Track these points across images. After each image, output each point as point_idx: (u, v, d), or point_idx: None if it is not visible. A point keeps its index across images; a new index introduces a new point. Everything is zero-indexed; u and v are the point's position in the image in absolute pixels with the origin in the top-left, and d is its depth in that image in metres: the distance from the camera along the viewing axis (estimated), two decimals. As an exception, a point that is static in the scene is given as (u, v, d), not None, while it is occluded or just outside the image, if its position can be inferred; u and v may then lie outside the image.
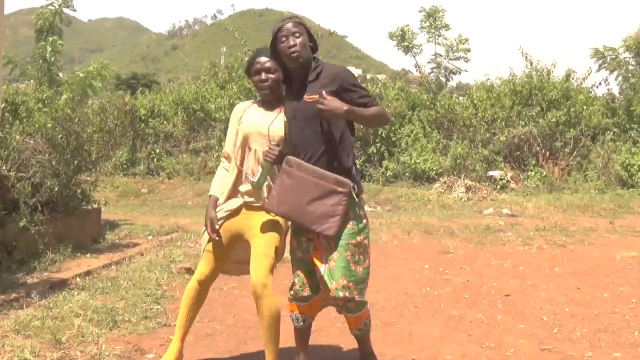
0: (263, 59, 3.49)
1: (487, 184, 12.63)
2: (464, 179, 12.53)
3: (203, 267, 3.59)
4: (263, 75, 3.48)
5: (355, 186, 3.30)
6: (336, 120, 3.30)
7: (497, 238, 8.35)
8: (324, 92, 3.17)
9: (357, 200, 3.33)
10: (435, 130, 14.24)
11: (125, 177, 14.15)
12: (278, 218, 3.44)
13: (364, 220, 3.40)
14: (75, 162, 7.16)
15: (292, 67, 3.36)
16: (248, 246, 3.55)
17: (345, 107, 3.17)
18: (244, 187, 3.55)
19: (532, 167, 13.21)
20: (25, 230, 6.12)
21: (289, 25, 3.30)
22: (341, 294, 3.25)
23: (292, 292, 3.50)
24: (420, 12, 16.41)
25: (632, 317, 5.12)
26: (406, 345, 4.35)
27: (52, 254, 6.28)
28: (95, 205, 7.74)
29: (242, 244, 3.62)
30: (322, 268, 3.30)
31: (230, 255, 3.68)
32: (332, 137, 3.32)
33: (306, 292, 3.45)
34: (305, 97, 3.30)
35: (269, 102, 3.58)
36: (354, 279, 3.30)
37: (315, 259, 3.35)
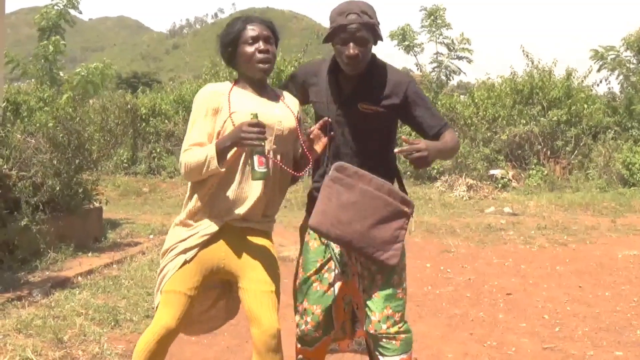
0: (258, 25, 2.62)
1: (489, 182, 12.63)
2: (465, 178, 12.53)
3: (167, 317, 2.49)
4: (262, 45, 2.58)
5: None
6: (384, 130, 2.78)
7: (499, 237, 8.36)
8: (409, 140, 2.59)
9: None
10: (437, 129, 14.23)
11: (127, 176, 14.16)
12: (272, 249, 2.68)
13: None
14: (77, 161, 7.18)
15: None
16: (221, 301, 2.76)
17: (432, 153, 2.57)
18: (242, 208, 2.57)
19: (533, 166, 13.22)
20: (27, 230, 6.12)
21: (353, 27, 2.56)
22: (384, 327, 2.64)
23: (299, 331, 2.80)
24: (420, 10, 16.42)
25: (633, 315, 5.13)
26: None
27: (53, 253, 6.29)
28: (97, 204, 7.74)
29: (212, 285, 2.69)
30: (361, 298, 2.72)
31: (197, 301, 2.62)
32: (381, 148, 2.79)
33: (318, 333, 2.77)
34: (362, 106, 2.68)
35: (259, 84, 2.69)
36: (399, 308, 2.70)
37: (350, 288, 2.76)
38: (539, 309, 5.29)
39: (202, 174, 2.50)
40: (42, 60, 13.79)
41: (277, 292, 2.59)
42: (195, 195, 2.60)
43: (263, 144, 2.44)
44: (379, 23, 2.65)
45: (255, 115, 2.43)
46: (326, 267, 2.74)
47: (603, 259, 7.09)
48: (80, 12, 14.44)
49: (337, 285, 2.73)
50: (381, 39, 2.67)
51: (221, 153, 2.44)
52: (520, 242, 8.01)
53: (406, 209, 2.63)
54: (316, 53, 14.65)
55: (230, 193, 2.56)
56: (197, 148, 2.52)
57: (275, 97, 2.72)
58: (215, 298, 2.76)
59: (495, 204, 10.88)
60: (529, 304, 5.44)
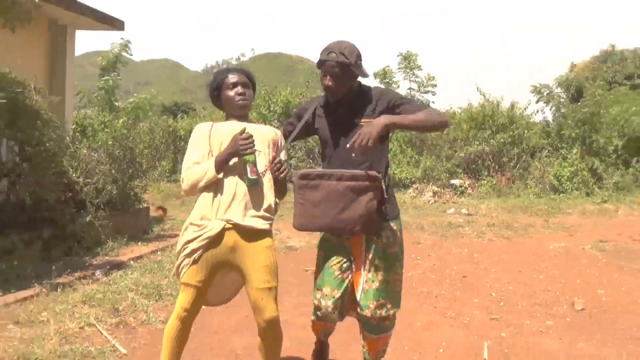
0: (237, 74, 2.64)
1: (450, 190, 12.61)
2: (431, 186, 12.51)
3: (184, 302, 2.50)
4: (240, 89, 2.59)
5: (386, 179, 2.63)
6: (381, 142, 2.59)
7: (457, 232, 8.37)
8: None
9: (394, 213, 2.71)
10: (409, 148, 14.24)
11: (168, 183, 14.11)
12: (272, 247, 2.57)
13: (402, 239, 2.82)
14: (130, 171, 7.22)
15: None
16: (230, 275, 2.65)
17: (383, 120, 2.47)
18: (242, 209, 2.48)
19: (484, 177, 13.21)
20: (91, 224, 6.16)
21: (329, 65, 2.54)
22: (378, 312, 2.62)
23: (319, 313, 2.69)
24: (398, 56, 16.48)
25: (561, 294, 5.15)
26: (386, 315, 4.36)
27: (111, 242, 6.32)
28: (145, 205, 7.77)
29: (222, 274, 2.61)
30: (362, 288, 2.63)
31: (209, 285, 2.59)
32: (378, 157, 2.65)
33: (335, 315, 2.68)
34: (361, 120, 2.59)
35: (240, 120, 2.63)
36: (395, 296, 2.71)
37: (355, 278, 2.67)
38: (487, 288, 5.32)
39: (200, 184, 2.50)
40: (103, 92, 13.80)
41: (276, 286, 2.54)
42: (202, 200, 2.54)
43: (254, 154, 2.46)
44: (356, 63, 2.56)
45: (244, 129, 2.48)
46: (344, 260, 2.66)
47: (538, 249, 7.12)
48: (132, 55, 14.45)
49: (351, 273, 2.67)
50: (362, 75, 2.61)
51: (219, 164, 2.46)
52: (474, 236, 8.03)
53: (371, 183, 2.51)
54: (317, 87, 14.67)
55: (231, 197, 2.49)
56: (196, 166, 2.54)
57: (255, 126, 2.63)
58: (225, 278, 2.67)
59: (454, 207, 10.89)
60: (480, 284, 5.47)
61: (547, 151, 13.74)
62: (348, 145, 2.47)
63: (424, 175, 13.05)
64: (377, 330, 2.69)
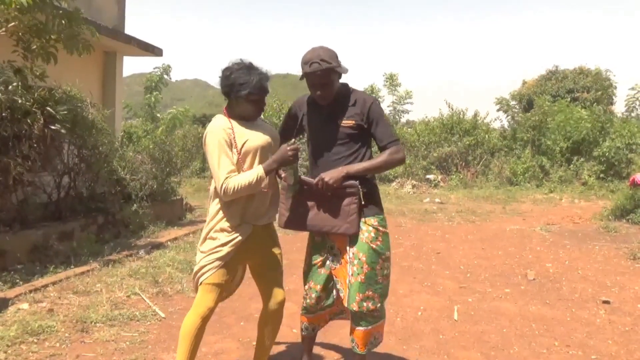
0: (267, 84, 2.22)
1: (426, 183, 12.55)
2: (411, 180, 12.46)
3: (209, 301, 2.18)
4: (265, 101, 2.27)
5: (361, 186, 2.24)
6: (357, 139, 2.28)
7: (432, 217, 8.34)
8: (323, 177, 2.21)
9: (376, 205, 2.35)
10: (393, 150, 14.21)
11: (199, 179, 14.06)
12: (276, 235, 2.39)
13: (388, 235, 2.40)
14: (167, 169, 7.21)
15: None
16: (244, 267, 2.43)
17: (343, 173, 2.20)
18: (265, 211, 2.27)
19: (453, 173, 13.13)
20: (136, 212, 6.16)
21: (316, 76, 2.19)
22: (365, 304, 2.26)
23: (304, 304, 2.43)
24: (383, 75, 16.46)
25: (516, 266, 5.12)
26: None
27: (152, 227, 6.30)
28: (179, 197, 7.75)
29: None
30: (348, 281, 2.27)
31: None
32: (357, 155, 2.29)
33: (320, 306, 2.42)
34: (343, 122, 2.26)
35: (251, 118, 2.27)
36: (380, 290, 2.31)
37: (340, 272, 2.32)
38: (457, 262, 5.29)
39: (252, 191, 2.16)
40: (146, 107, 13.81)
41: (282, 271, 2.37)
42: (231, 207, 2.19)
43: (296, 163, 2.19)
44: (337, 64, 2.22)
45: (293, 142, 2.17)
46: (326, 255, 2.36)
47: (497, 231, 7.09)
48: (170, 77, 14.44)
49: (337, 268, 2.34)
50: (344, 72, 2.26)
51: (268, 173, 2.15)
52: (445, 220, 7.99)
53: (349, 190, 2.21)
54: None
55: (258, 202, 2.24)
56: (238, 174, 2.13)
57: (263, 124, 2.33)
58: (239, 273, 2.46)
59: (430, 197, 10.85)
60: (451, 259, 5.44)
61: (504, 151, 13.69)
62: (314, 185, 2.23)
63: (405, 171, 13.00)
64: (367, 322, 2.33)
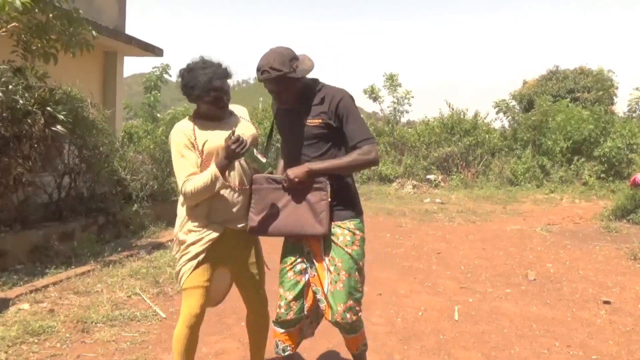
0: (220, 81, 2.09)
1: (426, 183, 12.54)
2: (411, 180, 12.45)
3: (193, 308, 2.10)
4: (225, 99, 2.13)
5: (329, 182, 2.08)
6: (326, 139, 2.12)
7: (432, 217, 8.33)
8: (288, 174, 2.08)
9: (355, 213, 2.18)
10: (393, 150, 14.20)
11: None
12: (258, 244, 2.31)
13: (364, 241, 2.19)
14: (167, 170, 7.17)
15: None
16: (223, 272, 2.28)
17: (306, 169, 2.06)
18: (236, 213, 2.16)
19: (454, 173, 13.13)
20: (137, 213, 6.15)
21: (268, 84, 2.08)
22: (348, 316, 2.09)
23: (276, 313, 2.20)
24: (383, 76, 16.41)
25: (517, 267, 5.12)
26: (373, 285, 4.34)
27: (153, 227, 6.30)
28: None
29: (217, 272, 2.23)
30: (327, 290, 2.11)
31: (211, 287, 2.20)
32: (328, 157, 2.11)
33: (290, 316, 2.15)
34: (308, 121, 2.10)
35: (216, 117, 2.17)
36: (358, 300, 2.14)
37: (317, 281, 2.14)
38: (457, 262, 5.28)
39: (211, 193, 2.06)
40: (147, 106, 13.81)
41: (263, 277, 2.30)
42: (196, 208, 2.12)
43: (249, 147, 2.06)
44: (291, 69, 2.03)
45: (233, 132, 2.04)
46: (299, 260, 2.16)
47: (498, 231, 7.07)
48: (170, 76, 14.43)
49: (307, 276, 2.16)
50: (302, 74, 2.06)
51: (222, 171, 2.04)
52: (446, 221, 7.98)
53: (316, 186, 2.07)
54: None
55: (225, 201, 2.13)
56: (195, 176, 2.06)
57: (235, 121, 2.22)
58: (219, 276, 2.29)
59: (430, 197, 10.84)
60: (451, 259, 5.43)
61: (504, 152, 13.68)
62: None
63: (405, 172, 13.01)
64: (350, 331, 2.21)
